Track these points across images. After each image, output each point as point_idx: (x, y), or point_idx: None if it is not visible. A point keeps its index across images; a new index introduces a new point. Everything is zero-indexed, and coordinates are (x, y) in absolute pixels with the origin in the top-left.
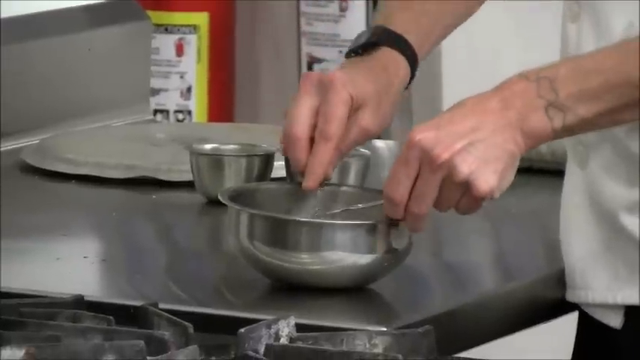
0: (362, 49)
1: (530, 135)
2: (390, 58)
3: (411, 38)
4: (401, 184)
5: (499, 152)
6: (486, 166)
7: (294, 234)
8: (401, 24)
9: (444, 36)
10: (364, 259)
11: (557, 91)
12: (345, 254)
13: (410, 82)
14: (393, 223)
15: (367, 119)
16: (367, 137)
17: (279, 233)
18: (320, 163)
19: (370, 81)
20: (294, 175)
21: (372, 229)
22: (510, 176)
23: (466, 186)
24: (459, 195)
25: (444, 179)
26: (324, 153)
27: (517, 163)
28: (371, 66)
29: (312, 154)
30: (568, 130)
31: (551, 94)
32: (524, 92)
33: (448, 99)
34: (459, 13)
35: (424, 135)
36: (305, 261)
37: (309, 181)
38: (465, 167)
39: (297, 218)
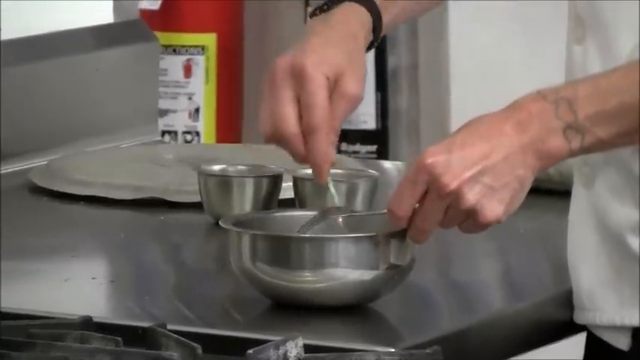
0: (327, 5)
1: (547, 156)
2: (353, 11)
3: None
4: (405, 202)
5: (509, 179)
6: (493, 195)
7: (295, 251)
8: None
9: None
10: (367, 274)
11: (577, 113)
12: (347, 270)
13: (376, 40)
14: (395, 236)
15: (350, 87)
16: (355, 103)
17: (280, 252)
18: (320, 156)
19: (340, 48)
20: (302, 197)
21: (373, 243)
22: (519, 200)
23: (472, 213)
24: (464, 219)
25: (449, 204)
26: (319, 144)
27: (529, 186)
28: (336, 30)
29: (309, 150)
30: (585, 151)
31: (570, 116)
32: (542, 114)
33: (456, 119)
34: None
35: (435, 159)
36: (307, 279)
37: (319, 177)
38: (472, 196)
39: (297, 235)
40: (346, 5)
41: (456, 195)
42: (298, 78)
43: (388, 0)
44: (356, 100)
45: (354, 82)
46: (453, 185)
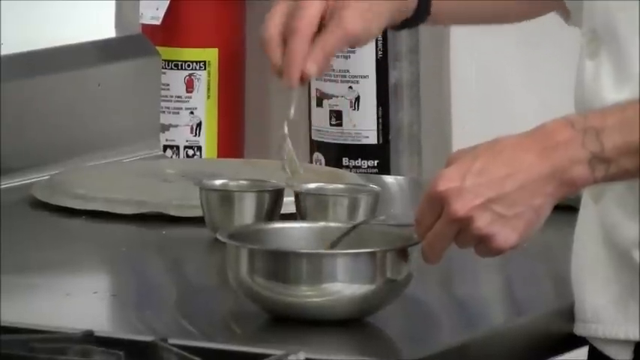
0: None
1: (570, 185)
2: None
3: None
4: (424, 220)
5: (523, 209)
6: (505, 224)
7: (292, 266)
8: None
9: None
10: (363, 289)
11: (603, 143)
12: (344, 285)
13: (419, 17)
14: (392, 251)
15: (348, 20)
16: (349, 39)
17: (278, 266)
18: (292, 58)
19: None
20: (304, 212)
21: (370, 258)
22: (535, 229)
23: (484, 239)
24: (476, 243)
25: (461, 228)
26: (295, 46)
27: (547, 214)
28: None
29: (285, 52)
30: (609, 179)
31: (597, 146)
32: (569, 143)
33: (457, 134)
34: None
35: (448, 187)
36: (305, 293)
37: (286, 80)
38: (482, 224)
39: (295, 250)
40: None
41: (466, 222)
42: None
43: None
44: (350, 35)
45: (355, 19)
46: (462, 212)
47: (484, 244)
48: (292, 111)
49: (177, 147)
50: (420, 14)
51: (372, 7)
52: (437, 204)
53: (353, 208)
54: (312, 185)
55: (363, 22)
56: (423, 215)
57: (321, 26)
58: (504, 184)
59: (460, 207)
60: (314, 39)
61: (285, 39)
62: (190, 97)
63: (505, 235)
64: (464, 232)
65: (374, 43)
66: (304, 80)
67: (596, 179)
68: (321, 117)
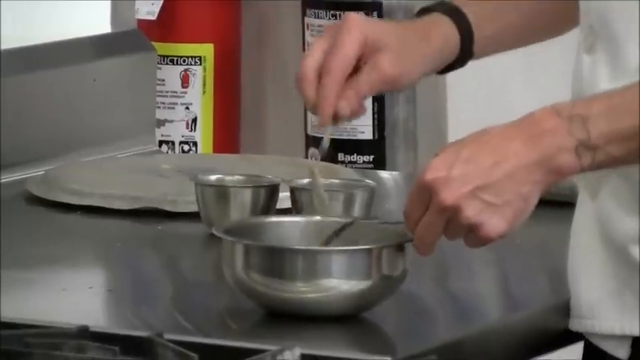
0: (416, 15)
1: (557, 173)
2: (436, 20)
3: (469, 12)
4: (412, 213)
5: (511, 197)
6: (494, 212)
7: (288, 262)
8: (462, 1)
9: (511, 28)
10: (359, 285)
11: (589, 130)
12: (340, 281)
13: (462, 60)
14: (387, 247)
15: (385, 62)
16: (385, 82)
17: (274, 262)
18: (324, 97)
19: (397, 30)
20: (299, 207)
21: (366, 255)
22: (523, 217)
23: (473, 228)
24: (465, 233)
25: (449, 218)
26: (327, 86)
27: (535, 201)
28: (407, 23)
29: (318, 89)
30: (596, 167)
31: (583, 133)
32: (555, 130)
33: (453, 129)
34: (526, 12)
35: (435, 177)
36: (300, 289)
37: (319, 117)
38: (470, 212)
39: (291, 246)
40: (434, 16)
41: (455, 210)
42: (337, 29)
43: (486, 18)
44: (385, 78)
45: (391, 62)
46: (450, 201)
47: (473, 234)
48: (325, 145)
49: (173, 142)
50: (464, 58)
51: (410, 52)
52: (425, 194)
53: (348, 203)
54: (307, 180)
55: (399, 67)
56: (413, 207)
57: (361, 64)
58: (492, 172)
59: (448, 195)
60: (350, 79)
61: (320, 77)
62: (186, 93)
63: (494, 224)
64: (453, 222)
65: None
66: (337, 119)
67: (583, 167)
68: None
